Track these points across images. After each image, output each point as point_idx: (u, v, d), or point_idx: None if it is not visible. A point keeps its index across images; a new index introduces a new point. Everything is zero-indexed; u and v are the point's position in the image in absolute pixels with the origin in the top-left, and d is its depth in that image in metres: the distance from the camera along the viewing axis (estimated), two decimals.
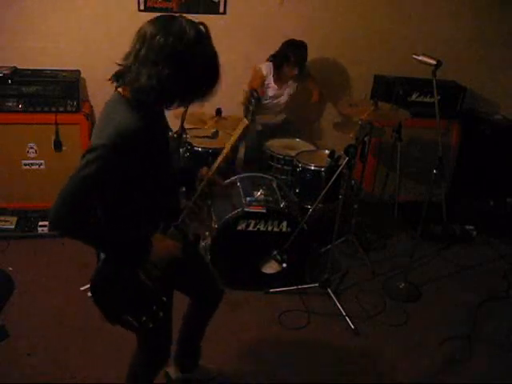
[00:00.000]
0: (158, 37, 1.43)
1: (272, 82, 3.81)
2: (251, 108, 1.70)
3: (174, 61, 1.43)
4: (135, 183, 1.56)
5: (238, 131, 1.70)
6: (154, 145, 1.57)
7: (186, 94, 1.54)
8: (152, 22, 1.48)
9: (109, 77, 1.56)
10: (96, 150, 1.44)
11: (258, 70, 3.78)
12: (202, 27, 1.50)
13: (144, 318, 1.71)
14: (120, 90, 1.56)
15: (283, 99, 3.92)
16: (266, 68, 3.78)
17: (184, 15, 1.51)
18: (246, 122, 1.69)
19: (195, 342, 2.29)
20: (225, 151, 1.74)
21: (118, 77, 1.54)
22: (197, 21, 1.50)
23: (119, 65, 1.53)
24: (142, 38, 1.46)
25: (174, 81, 1.45)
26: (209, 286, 2.15)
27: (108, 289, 1.69)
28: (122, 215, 1.65)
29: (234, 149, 1.76)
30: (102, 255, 1.69)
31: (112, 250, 1.63)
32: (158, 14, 1.53)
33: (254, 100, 1.71)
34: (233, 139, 1.71)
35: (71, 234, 1.54)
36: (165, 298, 1.77)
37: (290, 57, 3.64)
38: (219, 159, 1.74)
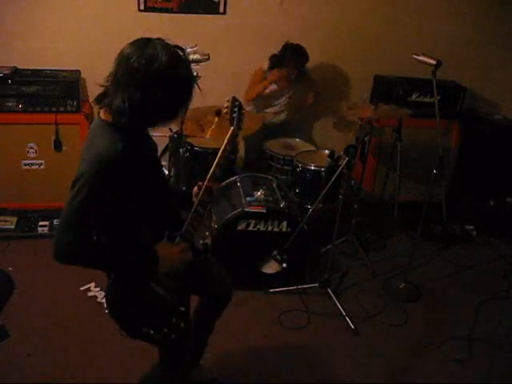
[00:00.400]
0: (131, 60, 1.44)
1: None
2: (235, 115, 1.79)
3: (145, 85, 1.44)
4: (124, 200, 1.57)
5: (227, 138, 1.78)
6: (137, 164, 1.57)
7: (158, 116, 1.55)
8: (131, 43, 1.49)
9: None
10: (81, 178, 1.48)
11: (259, 69, 3.78)
12: (178, 51, 1.50)
13: (165, 330, 1.71)
14: (101, 113, 1.58)
15: (282, 100, 3.91)
16: (268, 65, 3.78)
17: (162, 38, 1.51)
18: (232, 129, 1.78)
19: (203, 338, 2.30)
20: (217, 159, 1.78)
21: (99, 99, 1.57)
22: (173, 44, 1.51)
23: (101, 86, 1.56)
24: (119, 59, 1.48)
25: (145, 104, 1.46)
26: (218, 286, 2.15)
27: (122, 303, 1.70)
28: (120, 228, 1.66)
29: (226, 155, 1.80)
30: None
31: (119, 267, 1.64)
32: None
33: (236, 108, 1.80)
34: (223, 147, 1.77)
35: (77, 259, 1.55)
36: (183, 308, 1.78)
37: (289, 63, 3.64)
38: (213, 166, 1.78)
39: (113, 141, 1.50)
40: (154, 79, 1.44)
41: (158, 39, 1.50)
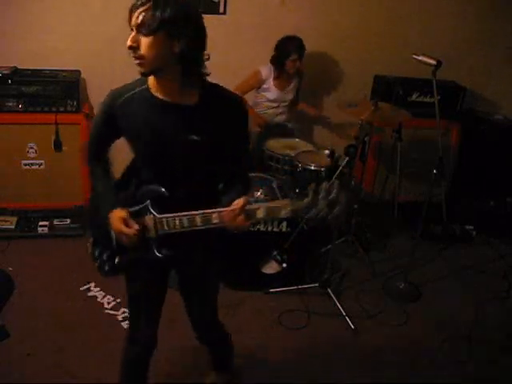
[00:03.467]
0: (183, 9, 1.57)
1: (272, 85, 3.78)
2: None
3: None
4: (128, 138, 1.71)
5: None
6: (136, 115, 1.62)
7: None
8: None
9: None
10: None
11: (257, 73, 3.73)
12: None
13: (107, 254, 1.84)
14: None
15: (283, 104, 3.88)
16: (266, 70, 3.73)
17: None
18: None
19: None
20: None
21: None
22: None
23: None
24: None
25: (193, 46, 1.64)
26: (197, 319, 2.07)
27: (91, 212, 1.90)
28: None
29: None
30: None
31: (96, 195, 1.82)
32: None
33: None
34: None
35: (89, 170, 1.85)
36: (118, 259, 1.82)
37: (288, 48, 3.60)
38: None
39: (127, 85, 1.65)
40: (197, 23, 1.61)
41: None
